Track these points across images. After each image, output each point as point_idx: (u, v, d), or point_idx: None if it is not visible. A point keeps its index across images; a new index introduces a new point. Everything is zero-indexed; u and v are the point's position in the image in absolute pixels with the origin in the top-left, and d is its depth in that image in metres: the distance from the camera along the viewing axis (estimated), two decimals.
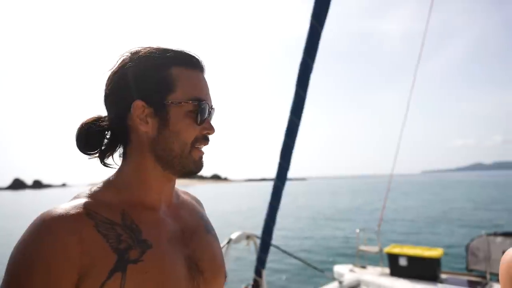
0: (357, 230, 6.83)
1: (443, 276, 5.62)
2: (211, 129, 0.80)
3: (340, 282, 5.60)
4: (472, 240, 5.78)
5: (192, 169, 0.78)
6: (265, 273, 3.64)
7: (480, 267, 5.54)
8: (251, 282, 3.67)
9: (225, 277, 0.89)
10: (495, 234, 5.61)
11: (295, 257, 4.82)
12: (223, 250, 3.48)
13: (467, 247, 5.78)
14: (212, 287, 0.82)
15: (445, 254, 5.97)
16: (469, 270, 5.73)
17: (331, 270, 6.59)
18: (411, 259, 5.61)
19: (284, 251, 4.43)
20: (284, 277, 10.90)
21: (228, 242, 3.57)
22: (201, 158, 0.80)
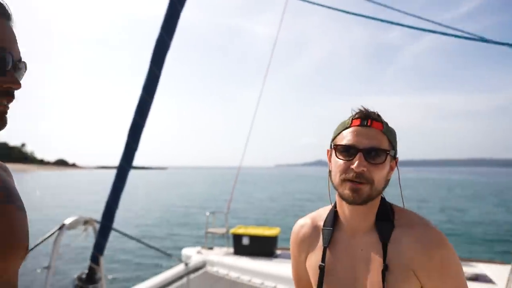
0: (207, 213, 7.06)
1: (278, 252, 6.32)
2: (14, 83, 0.68)
3: (186, 264, 5.70)
4: None
5: None
6: (103, 259, 3.39)
7: None
8: (86, 271, 3.37)
9: (26, 252, 0.76)
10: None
11: (140, 242, 4.67)
12: (54, 236, 3.09)
13: None
14: (8, 262, 0.69)
15: (282, 233, 6.69)
16: None
17: (180, 253, 6.64)
18: (253, 238, 6.13)
19: (127, 235, 4.23)
20: (130, 262, 10.49)
21: (60, 228, 3.19)
22: (1, 113, 0.69)
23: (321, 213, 1.13)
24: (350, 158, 0.95)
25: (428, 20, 3.37)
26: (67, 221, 3.31)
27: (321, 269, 1.02)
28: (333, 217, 1.08)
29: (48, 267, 2.94)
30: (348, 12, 3.16)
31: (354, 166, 0.93)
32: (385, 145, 0.96)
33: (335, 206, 1.08)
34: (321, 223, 1.10)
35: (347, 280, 0.99)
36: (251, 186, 52.91)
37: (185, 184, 60.21)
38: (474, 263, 5.55)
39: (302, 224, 1.14)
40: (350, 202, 0.96)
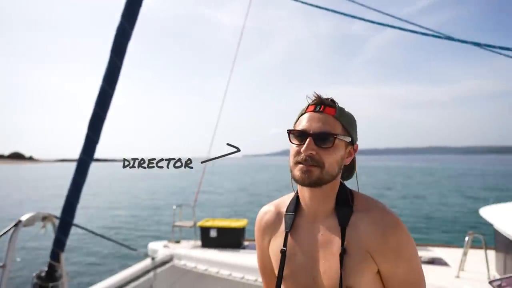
0: (174, 207, 6.97)
1: (246, 243, 6.37)
2: None
3: (153, 258, 5.62)
4: None
5: None
6: (63, 256, 3.27)
7: None
8: (46, 268, 3.24)
9: None
10: None
11: (103, 237, 4.54)
12: (9, 233, 2.94)
13: None
14: None
15: (249, 224, 6.74)
16: None
17: (146, 248, 6.53)
18: (220, 230, 6.13)
19: (89, 231, 4.10)
20: (93, 259, 10.18)
21: (16, 225, 3.04)
22: None
23: (285, 200, 1.16)
24: (302, 143, 0.98)
25: (390, 16, 3.48)
26: (24, 218, 3.16)
27: (283, 253, 1.05)
28: (295, 203, 1.11)
29: (3, 266, 2.80)
30: (311, 5, 3.20)
31: (303, 149, 0.97)
32: (337, 130, 0.99)
33: (297, 193, 1.11)
34: (284, 210, 1.13)
35: (306, 264, 1.02)
36: (219, 177, 52.74)
37: (150, 177, 58.93)
38: (430, 248, 5.87)
39: (266, 211, 1.18)
40: (300, 183, 0.99)
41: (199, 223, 6.33)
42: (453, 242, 10.22)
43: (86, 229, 4.10)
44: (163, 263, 5.72)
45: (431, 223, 15.43)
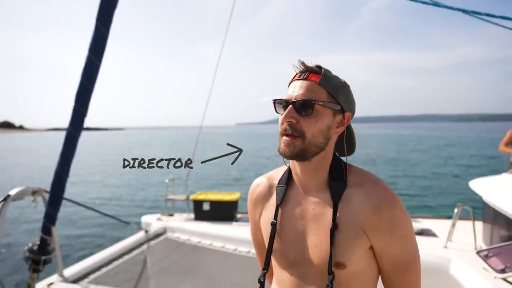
0: (167, 180, 6.96)
1: (238, 216, 6.44)
2: None
3: (146, 231, 5.66)
4: None
5: None
6: (55, 230, 3.26)
7: None
8: (38, 242, 3.22)
9: None
10: None
11: (95, 210, 4.53)
12: None
13: None
14: None
15: (242, 199, 6.78)
16: None
17: (140, 221, 6.56)
18: (213, 203, 6.17)
19: (81, 204, 4.08)
20: (87, 233, 10.25)
21: (5, 199, 2.99)
22: None
23: (278, 172, 1.14)
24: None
25: None
26: (13, 192, 3.12)
27: (273, 225, 1.04)
28: (288, 176, 1.08)
29: None
30: None
31: (282, 117, 0.95)
32: (319, 96, 0.94)
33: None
34: (276, 182, 1.11)
35: (296, 237, 1.01)
36: (212, 146, 52.55)
37: (143, 146, 58.60)
38: (420, 219, 6.00)
39: (258, 183, 1.16)
40: (283, 156, 0.96)
41: (192, 197, 6.35)
42: (443, 210, 10.44)
43: (77, 203, 4.08)
44: (157, 235, 5.77)
45: (421, 191, 15.75)
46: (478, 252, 3.45)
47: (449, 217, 5.50)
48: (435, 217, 6.57)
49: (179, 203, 7.28)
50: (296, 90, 0.95)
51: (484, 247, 4.34)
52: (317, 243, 0.97)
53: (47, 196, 3.30)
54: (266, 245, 1.06)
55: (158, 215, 6.54)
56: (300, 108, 0.93)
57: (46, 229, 3.24)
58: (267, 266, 1.03)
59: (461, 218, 5.02)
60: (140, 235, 5.54)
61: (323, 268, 0.95)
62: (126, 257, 4.87)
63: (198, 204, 6.22)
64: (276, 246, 1.03)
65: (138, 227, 5.95)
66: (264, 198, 1.12)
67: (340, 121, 0.99)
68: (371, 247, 0.96)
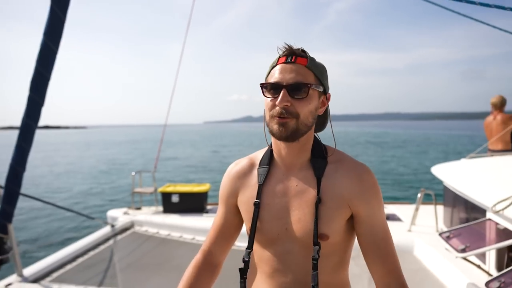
0: (133, 173, 6.75)
1: (208, 207, 6.36)
2: None
3: (113, 226, 5.47)
4: None
5: None
6: (12, 227, 3.06)
7: None
8: None
9: None
10: None
11: (59, 207, 4.31)
12: None
13: None
14: None
15: (212, 190, 6.70)
16: None
17: (106, 216, 6.34)
18: (182, 195, 6.05)
19: (41, 200, 3.85)
20: (49, 230, 9.81)
21: None
22: None
23: (257, 155, 1.16)
24: (276, 95, 0.98)
25: None
26: None
27: (256, 205, 1.05)
28: (269, 157, 1.11)
29: None
30: None
31: (277, 102, 0.96)
32: (309, 79, 0.98)
33: (271, 146, 1.11)
34: (258, 163, 1.13)
35: (280, 214, 1.03)
36: (179, 144, 52.01)
37: (107, 144, 56.78)
38: (385, 205, 6.20)
39: (237, 162, 1.18)
40: (278, 137, 0.98)
41: (160, 189, 6.20)
42: (406, 199, 10.91)
43: (36, 199, 3.85)
44: (124, 230, 5.59)
45: (388, 182, 16.41)
46: (440, 234, 3.61)
47: (413, 202, 5.72)
48: (399, 202, 6.81)
49: (147, 196, 7.10)
50: (286, 73, 0.97)
51: (446, 229, 4.55)
52: (300, 217, 1.00)
53: (1, 191, 3.08)
54: (248, 226, 1.07)
55: (124, 209, 6.34)
56: (294, 91, 0.96)
57: (2, 227, 3.04)
58: (251, 245, 1.05)
59: (424, 203, 5.23)
60: (106, 230, 5.35)
61: (306, 241, 0.99)
62: (91, 253, 4.69)
63: (166, 196, 6.08)
64: (259, 225, 1.05)
65: (104, 222, 5.74)
66: (243, 176, 1.13)
67: (322, 102, 1.05)
68: (351, 218, 1.02)
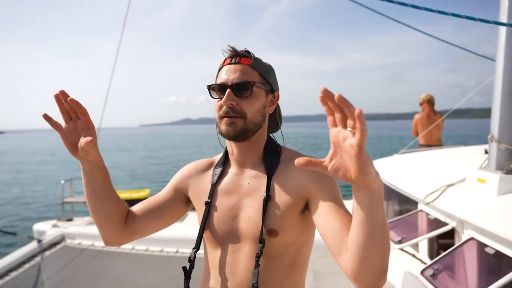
0: (62, 181, 6.18)
1: None
2: None
3: (40, 241, 4.96)
4: None
5: None
6: None
7: None
8: None
9: None
10: None
11: None
12: None
13: None
14: None
15: (152, 194, 6.40)
16: None
17: (31, 230, 5.72)
18: None
19: None
20: None
21: None
22: None
23: (218, 156, 1.18)
24: (222, 96, 1.00)
25: None
26: None
27: (207, 204, 1.06)
28: (224, 158, 1.13)
29: None
30: None
31: (222, 101, 0.98)
32: (254, 78, 1.01)
33: (226, 148, 1.13)
34: (214, 165, 1.15)
35: (231, 213, 1.04)
36: (114, 148, 49.39)
37: (30, 151, 51.82)
38: None
39: (196, 162, 1.19)
40: (227, 136, 1.00)
41: None
42: (347, 195, 11.44)
43: None
44: (53, 244, 5.10)
45: None
46: None
47: (350, 198, 5.98)
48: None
49: (79, 206, 6.55)
50: (231, 73, 1.00)
51: None
52: (250, 215, 1.00)
53: None
54: (199, 224, 1.07)
55: (53, 221, 5.79)
56: (238, 90, 0.98)
57: None
58: (198, 245, 1.05)
59: None
60: (31, 246, 4.83)
61: (256, 238, 0.98)
62: (14, 273, 4.19)
63: None
64: (209, 225, 1.05)
65: (29, 237, 5.18)
66: (200, 174, 1.14)
67: (271, 101, 1.07)
68: (305, 214, 1.00)
